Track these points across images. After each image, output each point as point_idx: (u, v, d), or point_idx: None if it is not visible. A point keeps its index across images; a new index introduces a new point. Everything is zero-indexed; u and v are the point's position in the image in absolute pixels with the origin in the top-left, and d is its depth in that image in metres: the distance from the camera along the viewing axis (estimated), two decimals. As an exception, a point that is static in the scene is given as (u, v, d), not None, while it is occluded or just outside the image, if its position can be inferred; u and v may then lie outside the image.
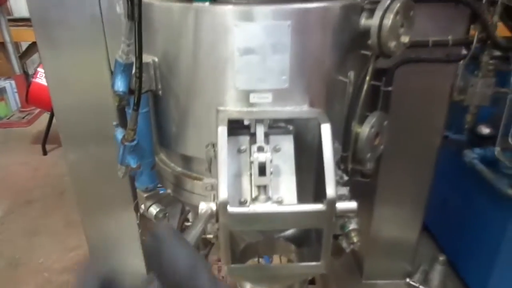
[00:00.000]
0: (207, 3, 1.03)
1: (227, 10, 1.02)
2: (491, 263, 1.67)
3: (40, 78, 3.74)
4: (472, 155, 1.60)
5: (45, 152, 4.16)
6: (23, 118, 4.88)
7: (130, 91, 1.12)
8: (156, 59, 1.17)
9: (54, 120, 4.06)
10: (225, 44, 1.04)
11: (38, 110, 4.78)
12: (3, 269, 2.73)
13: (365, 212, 1.71)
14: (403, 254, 1.83)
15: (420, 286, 1.82)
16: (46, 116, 4.37)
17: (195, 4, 1.03)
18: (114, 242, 1.74)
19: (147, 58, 1.15)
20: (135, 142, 1.15)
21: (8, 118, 4.90)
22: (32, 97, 3.82)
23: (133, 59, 1.05)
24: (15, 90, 4.95)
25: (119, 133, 1.17)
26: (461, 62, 1.36)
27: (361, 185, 1.36)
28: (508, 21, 1.43)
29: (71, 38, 1.30)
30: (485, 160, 1.59)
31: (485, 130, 1.60)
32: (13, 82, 4.91)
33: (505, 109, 1.45)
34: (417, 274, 1.86)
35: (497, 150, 1.51)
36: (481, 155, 1.59)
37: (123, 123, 1.23)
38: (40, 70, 3.77)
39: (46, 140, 4.14)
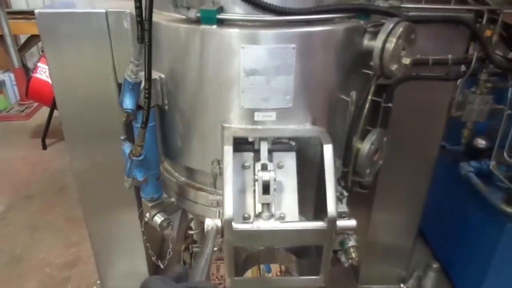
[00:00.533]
0: (214, 26, 1.05)
1: (234, 33, 1.05)
2: (483, 273, 1.72)
3: (40, 74, 3.74)
4: (468, 168, 1.64)
5: (44, 147, 4.16)
6: (22, 111, 4.87)
7: (138, 107, 1.15)
8: (163, 76, 1.20)
9: (54, 114, 4.06)
10: (231, 65, 1.07)
11: (37, 104, 4.77)
12: (5, 264, 2.75)
13: (362, 218, 1.76)
14: (398, 260, 1.88)
15: (414, 292, 1.88)
16: (45, 109, 4.36)
17: (203, 27, 1.05)
18: (117, 241, 1.79)
19: (154, 74, 1.17)
20: (142, 157, 1.18)
21: (7, 111, 4.89)
22: (32, 92, 3.82)
23: (141, 78, 1.08)
24: (14, 83, 4.93)
25: (127, 148, 1.20)
26: (460, 80, 1.39)
27: (359, 192, 1.40)
28: (507, 39, 1.46)
29: (77, 46, 1.33)
30: (480, 173, 1.63)
31: (481, 143, 1.65)
32: (12, 75, 4.88)
33: (501, 125, 1.48)
34: (411, 280, 1.91)
35: (492, 164, 1.55)
36: (476, 168, 1.63)
37: (129, 135, 1.26)
38: (40, 65, 3.76)
39: (46, 134, 4.14)
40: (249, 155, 1.15)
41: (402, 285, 1.91)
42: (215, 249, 1.14)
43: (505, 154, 1.52)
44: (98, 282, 2.50)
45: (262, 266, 1.77)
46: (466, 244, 1.88)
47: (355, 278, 1.95)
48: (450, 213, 2.01)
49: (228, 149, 1.04)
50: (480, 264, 1.75)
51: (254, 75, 1.07)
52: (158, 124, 1.28)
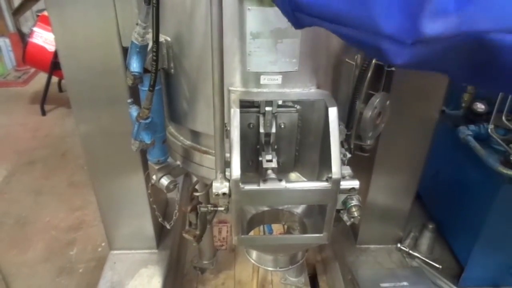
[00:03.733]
0: (221, -13, 1.04)
1: (241, -6, 1.04)
2: (476, 233, 1.79)
3: (37, 39, 3.69)
4: (466, 132, 1.67)
5: (43, 113, 4.17)
6: (19, 77, 4.83)
7: (144, 70, 1.16)
8: (169, 39, 1.20)
9: (51, 81, 4.05)
10: (238, 28, 1.07)
11: (34, 70, 4.73)
12: (11, 227, 2.83)
13: (362, 181, 1.80)
14: (396, 222, 1.95)
15: (410, 251, 1.96)
16: (42, 75, 4.34)
17: (209, -12, 1.05)
18: (123, 203, 1.84)
19: (160, 37, 1.18)
20: (149, 120, 1.20)
21: (4, 78, 4.84)
22: (29, 58, 3.79)
23: (148, 41, 1.08)
24: (10, 48, 4.86)
25: (134, 111, 1.22)
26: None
27: (360, 155, 1.44)
28: None
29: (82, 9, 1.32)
30: (478, 137, 1.66)
31: (480, 107, 1.67)
32: (7, 40, 4.81)
33: (502, 89, 1.50)
34: (408, 240, 1.99)
35: (490, 127, 1.58)
36: (475, 132, 1.66)
37: (135, 98, 1.28)
38: (36, 30, 3.71)
39: (44, 100, 4.14)
40: (254, 116, 1.18)
41: (399, 245, 1.98)
42: (222, 208, 1.19)
43: (503, 117, 1.55)
44: (103, 244, 2.59)
45: (264, 228, 1.83)
46: (461, 205, 1.95)
47: (354, 238, 2.02)
48: (447, 175, 2.06)
49: (235, 112, 1.06)
50: (474, 225, 1.82)
51: (261, 38, 1.07)
52: (163, 88, 1.29)
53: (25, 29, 4.92)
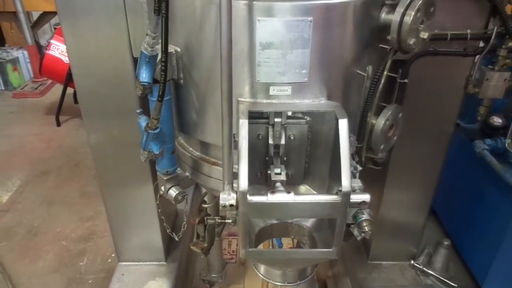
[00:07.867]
0: (231, -2, 1.04)
1: (250, 5, 1.04)
2: (494, 250, 1.73)
3: (53, 51, 3.77)
4: (482, 146, 1.63)
5: (58, 124, 4.23)
6: (36, 88, 4.92)
7: (154, 81, 1.16)
8: (179, 49, 1.20)
9: (67, 92, 4.11)
10: (247, 38, 1.07)
11: (50, 81, 4.83)
12: (23, 236, 2.85)
13: (374, 195, 1.77)
14: (409, 237, 1.90)
15: (424, 268, 1.90)
16: (58, 86, 4.42)
17: (219, -1, 1.05)
18: (132, 214, 1.83)
19: (169, 48, 1.17)
20: (158, 130, 1.20)
21: (21, 88, 4.95)
22: (45, 69, 3.87)
23: (158, 51, 1.08)
24: (28, 60, 4.98)
25: (143, 121, 1.22)
26: (478, 56, 1.36)
27: (372, 169, 1.41)
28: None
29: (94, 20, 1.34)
30: (495, 151, 1.62)
31: (497, 121, 1.63)
32: (25, 52, 4.93)
33: (519, 102, 1.46)
34: (422, 257, 1.93)
35: (507, 142, 1.54)
36: (491, 146, 1.62)
37: (145, 109, 1.28)
38: (53, 42, 3.79)
39: (59, 111, 4.21)
40: (263, 127, 1.16)
41: (412, 262, 1.93)
42: (230, 221, 1.17)
43: (521, 131, 1.51)
44: (113, 255, 2.58)
45: (274, 242, 1.80)
46: (478, 221, 1.89)
47: (366, 254, 1.98)
48: (463, 191, 2.01)
49: (244, 122, 1.05)
50: (491, 242, 1.76)
51: (270, 48, 1.06)
52: (173, 98, 1.29)
53: (43, 42, 5.03)
